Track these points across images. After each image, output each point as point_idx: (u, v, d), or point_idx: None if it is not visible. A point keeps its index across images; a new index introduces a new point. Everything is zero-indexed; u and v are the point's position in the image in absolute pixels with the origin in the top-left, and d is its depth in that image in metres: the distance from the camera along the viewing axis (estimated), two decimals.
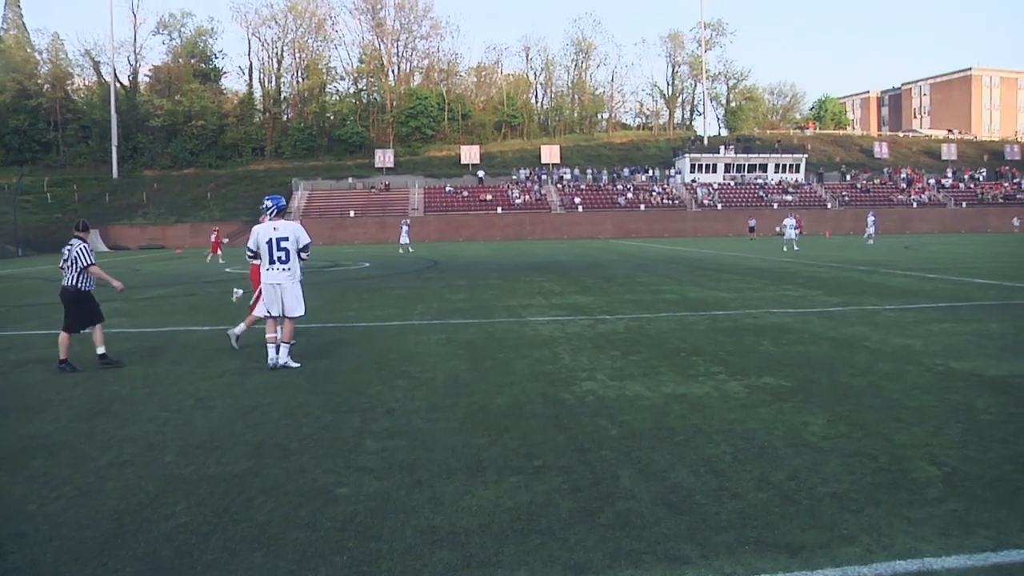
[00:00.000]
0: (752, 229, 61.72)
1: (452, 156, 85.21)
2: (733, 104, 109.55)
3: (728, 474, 5.40)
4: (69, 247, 10.02)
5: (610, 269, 25.86)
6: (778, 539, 4.30)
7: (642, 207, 74.32)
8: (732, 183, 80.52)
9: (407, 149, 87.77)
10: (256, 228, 9.80)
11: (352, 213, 69.78)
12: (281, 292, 9.67)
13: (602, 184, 79.03)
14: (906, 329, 12.04)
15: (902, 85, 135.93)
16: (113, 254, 55.77)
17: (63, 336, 9.81)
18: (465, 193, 75.17)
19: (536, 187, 77.25)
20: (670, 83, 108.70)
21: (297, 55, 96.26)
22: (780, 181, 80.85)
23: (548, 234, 68.30)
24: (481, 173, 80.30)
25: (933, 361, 9.44)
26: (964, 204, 78.94)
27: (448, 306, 16.03)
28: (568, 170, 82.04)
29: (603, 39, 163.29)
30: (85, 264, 9.91)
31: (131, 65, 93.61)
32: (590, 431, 6.52)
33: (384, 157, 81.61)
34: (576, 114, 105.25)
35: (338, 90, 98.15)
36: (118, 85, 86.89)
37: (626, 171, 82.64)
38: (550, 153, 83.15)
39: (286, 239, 9.66)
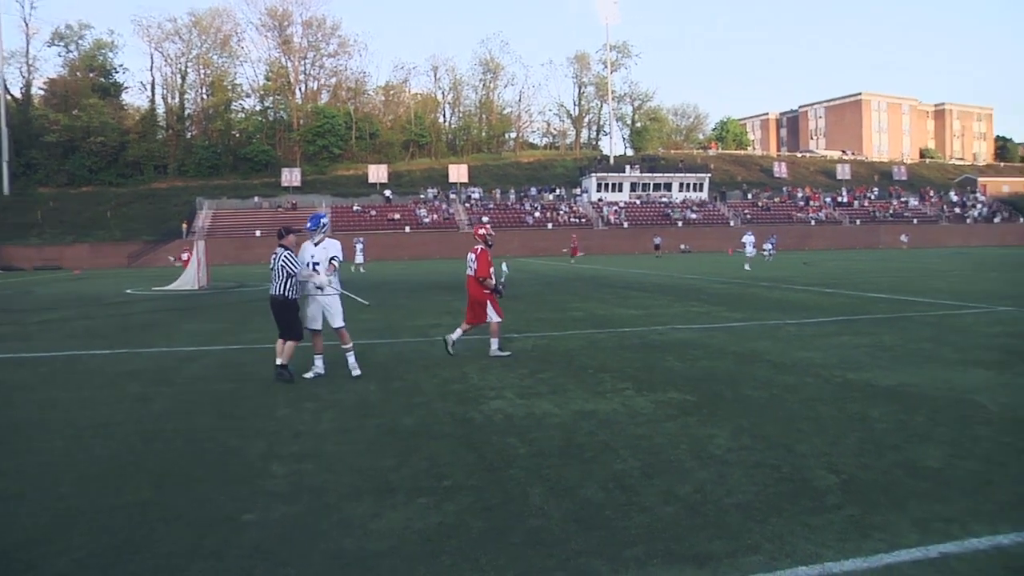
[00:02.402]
0: (657, 247, 62.83)
1: (360, 175, 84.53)
2: (638, 124, 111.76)
3: (636, 488, 5.49)
4: (274, 255, 9.94)
5: (518, 288, 25.97)
6: (686, 551, 4.40)
7: (550, 226, 75.00)
8: (638, 202, 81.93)
9: (314, 168, 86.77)
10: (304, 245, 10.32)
11: (258, 233, 68.51)
12: (321, 306, 10.19)
13: (510, 203, 79.53)
14: (806, 343, 12.44)
15: (799, 107, 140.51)
16: (4, 275, 53.47)
17: (290, 345, 9.96)
18: (373, 212, 74.69)
19: (444, 206, 77.29)
20: (577, 103, 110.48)
21: (201, 71, 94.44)
22: (684, 199, 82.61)
23: (456, 253, 68.10)
24: (389, 192, 79.93)
25: (831, 373, 9.78)
26: (858, 221, 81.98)
27: (356, 326, 15.81)
28: (476, 189, 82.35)
29: (511, 59, 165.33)
30: (292, 272, 9.85)
31: (23, 77, 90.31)
32: (499, 450, 6.55)
33: (291, 176, 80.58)
34: (484, 133, 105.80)
35: (244, 108, 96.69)
36: (8, 97, 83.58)
37: (533, 190, 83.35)
38: (458, 172, 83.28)
39: (317, 260, 10.17)
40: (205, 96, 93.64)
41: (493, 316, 11.51)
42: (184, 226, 69.98)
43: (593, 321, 15.75)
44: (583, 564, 4.25)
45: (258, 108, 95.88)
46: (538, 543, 4.56)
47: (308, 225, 10.43)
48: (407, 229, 71.23)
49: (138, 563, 4.42)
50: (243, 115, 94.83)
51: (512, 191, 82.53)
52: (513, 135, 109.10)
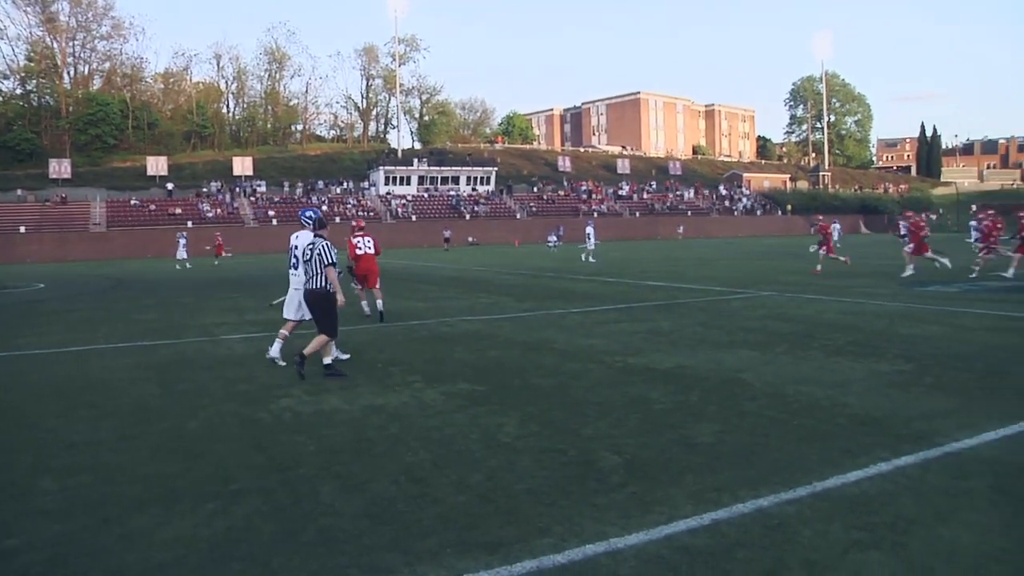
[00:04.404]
0: (447, 240, 63.29)
1: (138, 167, 79.31)
2: (426, 118, 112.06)
3: (428, 480, 5.52)
4: (311, 246, 9.43)
5: None
6: (478, 539, 4.47)
7: (337, 220, 73.79)
8: (426, 195, 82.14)
9: (87, 159, 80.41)
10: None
11: (23, 229, 63.08)
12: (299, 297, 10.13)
13: (297, 197, 77.59)
14: (590, 330, 12.94)
15: (582, 104, 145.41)
16: None
17: (321, 339, 9.34)
18: (153, 207, 70.55)
19: (228, 200, 74.37)
20: (365, 96, 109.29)
21: None
22: (472, 193, 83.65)
23: (242, 249, 65.93)
24: (170, 185, 75.62)
25: (613, 359, 10.23)
26: (637, 214, 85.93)
27: (136, 328, 15.03)
28: (262, 182, 79.70)
29: (298, 50, 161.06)
30: (330, 263, 9.34)
31: None
32: (288, 449, 6.41)
33: (60, 167, 74.23)
34: (270, 125, 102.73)
35: (2, 91, 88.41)
36: None
37: (321, 183, 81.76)
38: (243, 165, 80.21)
39: (297, 248, 10.19)
40: None
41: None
42: None
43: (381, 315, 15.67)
44: (376, 559, 4.24)
45: (19, 92, 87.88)
46: (330, 541, 4.50)
47: (308, 217, 10.20)
48: (190, 224, 67.93)
49: None
50: (1, 99, 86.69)
51: (299, 184, 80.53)
52: (300, 127, 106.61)
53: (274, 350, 10.44)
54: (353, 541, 4.49)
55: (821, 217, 32.27)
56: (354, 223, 15.99)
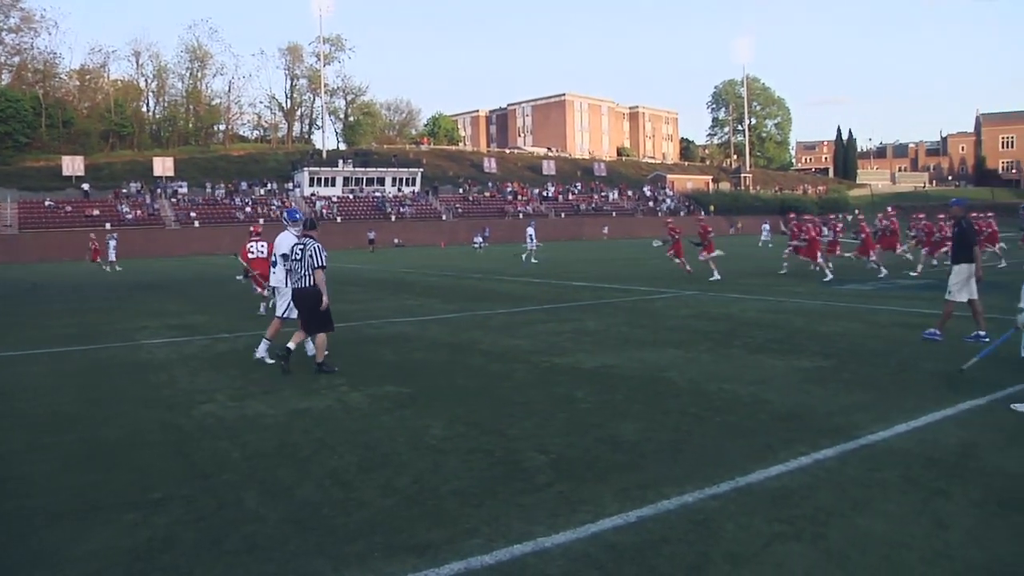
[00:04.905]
0: (372, 241, 62.82)
1: (52, 167, 76.58)
2: (352, 119, 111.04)
3: (354, 484, 5.48)
4: (302, 246, 9.58)
5: (231, 286, 25.04)
6: (405, 541, 4.45)
7: (261, 221, 72.61)
8: (351, 196, 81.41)
9: None
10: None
11: None
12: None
13: (219, 198, 76.17)
14: (516, 331, 12.98)
15: (508, 106, 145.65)
16: None
17: (322, 338, 9.66)
18: (68, 208, 68.39)
19: (149, 201, 72.56)
20: (289, 96, 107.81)
21: None
22: (397, 194, 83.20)
23: (163, 251, 64.44)
24: (87, 186, 73.44)
25: (539, 359, 10.29)
26: (563, 215, 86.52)
27: (49, 333, 14.57)
28: (183, 183, 77.96)
29: (220, 48, 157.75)
30: (320, 266, 9.47)
31: None
32: (211, 455, 6.29)
33: None
34: (191, 125, 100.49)
35: None
36: None
37: (244, 184, 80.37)
38: (163, 165, 78.21)
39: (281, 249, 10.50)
40: None
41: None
42: None
43: None
44: (302, 565, 4.20)
45: None
46: (255, 548, 4.43)
47: (293, 217, 10.57)
48: (108, 226, 66.00)
49: None
50: None
51: (222, 185, 79.01)
52: (223, 127, 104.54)
53: (260, 350, 10.58)
54: (278, 547, 4.43)
55: (671, 220, 32.54)
56: (251, 228, 16.84)
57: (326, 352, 9.80)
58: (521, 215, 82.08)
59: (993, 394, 7.52)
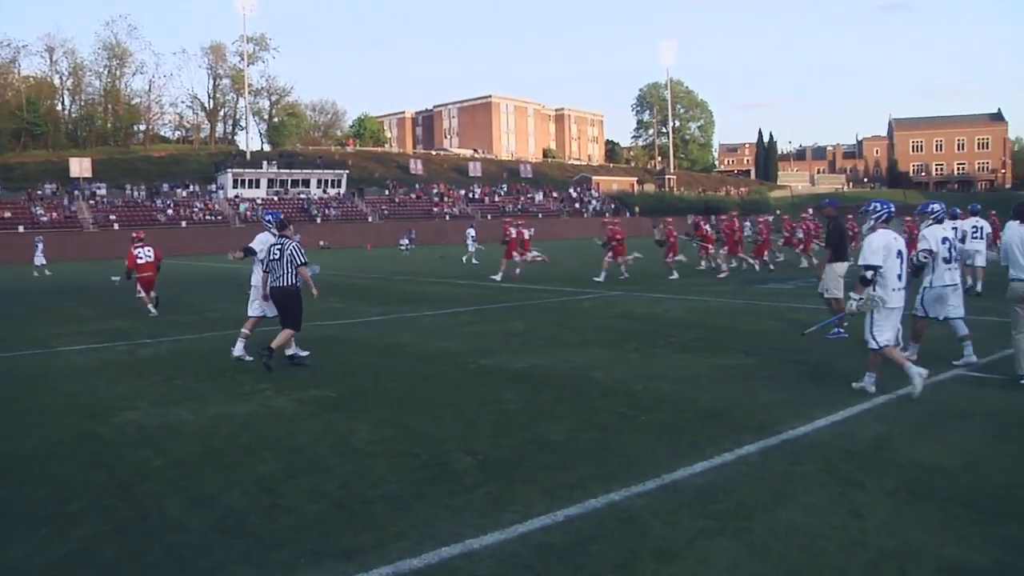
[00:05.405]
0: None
1: None
2: (276, 119, 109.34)
3: (280, 490, 5.42)
4: (280, 246, 9.95)
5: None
6: (333, 547, 4.42)
7: (183, 224, 71.19)
8: (276, 198, 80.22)
9: None
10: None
11: None
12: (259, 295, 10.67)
13: (140, 200, 74.33)
14: (443, 333, 12.97)
15: (434, 107, 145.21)
16: None
17: (287, 333, 9.95)
18: None
19: (66, 203, 70.42)
20: (211, 96, 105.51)
21: None
22: (323, 196, 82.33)
23: (81, 255, 62.61)
24: None
25: (466, 360, 10.31)
26: (489, 216, 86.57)
27: None
28: (102, 185, 75.78)
29: (140, 46, 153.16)
30: (302, 263, 9.95)
31: None
32: (132, 464, 6.15)
33: None
34: (110, 125, 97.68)
35: None
36: None
37: (166, 186, 78.57)
38: (81, 166, 75.74)
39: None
40: None
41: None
42: None
43: (232, 322, 15.19)
44: (228, 574, 4.15)
45: None
46: (179, 559, 4.35)
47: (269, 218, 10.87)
48: (21, 229, 63.93)
49: None
50: None
51: (143, 187, 77.09)
52: (143, 127, 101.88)
53: (237, 348, 10.70)
54: (203, 557, 4.36)
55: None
56: (134, 235, 17.90)
57: (284, 347, 10.16)
58: (448, 217, 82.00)
59: (907, 386, 7.76)
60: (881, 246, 7.77)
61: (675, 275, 22.86)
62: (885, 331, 7.82)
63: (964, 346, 9.26)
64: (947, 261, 9.40)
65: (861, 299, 7.79)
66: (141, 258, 17.04)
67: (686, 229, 30.92)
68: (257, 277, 10.78)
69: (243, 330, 10.81)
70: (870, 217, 8.16)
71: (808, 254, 26.23)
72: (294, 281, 9.96)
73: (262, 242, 10.58)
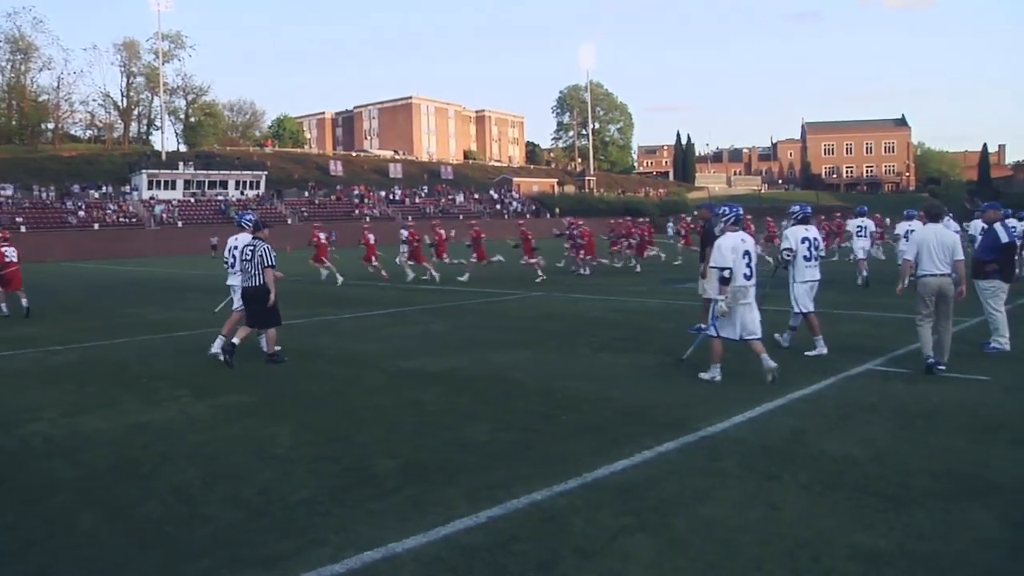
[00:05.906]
0: (214, 247, 60.79)
1: None
2: (193, 119, 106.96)
3: (198, 499, 5.31)
4: (252, 247, 10.33)
5: (63, 295, 23.71)
6: (253, 555, 4.35)
7: (96, 226, 69.18)
8: (192, 200, 78.59)
9: None
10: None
11: None
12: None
13: (50, 201, 71.97)
14: (362, 335, 12.88)
15: (354, 108, 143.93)
16: None
17: (271, 332, 10.50)
18: None
19: None
20: (125, 94, 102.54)
21: None
22: (241, 197, 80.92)
23: None
24: None
25: (387, 363, 10.24)
26: (410, 218, 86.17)
27: None
28: (8, 186, 73.09)
29: (47, 40, 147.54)
30: (270, 264, 10.29)
31: None
32: (40, 477, 5.93)
33: None
34: (15, 123, 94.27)
35: None
36: None
37: (76, 187, 76.21)
38: None
39: (236, 249, 11.03)
40: None
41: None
42: None
43: (148, 327, 14.87)
44: None
45: None
46: (93, 574, 4.22)
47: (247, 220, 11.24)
48: None
49: None
50: None
51: (52, 188, 74.60)
52: (51, 126, 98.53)
53: (216, 346, 10.85)
54: (119, 570, 4.24)
55: (318, 225, 33.51)
56: None
57: (277, 347, 10.61)
58: (368, 219, 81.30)
59: (820, 382, 7.98)
60: (730, 248, 8.36)
61: (541, 276, 23.16)
62: (726, 326, 8.49)
63: (787, 333, 10.55)
64: (807, 259, 10.08)
65: (726, 298, 8.31)
66: (8, 256, 17.15)
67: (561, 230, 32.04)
68: (235, 277, 11.14)
69: (224, 328, 11.02)
70: (720, 220, 8.81)
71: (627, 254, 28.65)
72: (264, 281, 10.30)
73: (242, 241, 10.89)
